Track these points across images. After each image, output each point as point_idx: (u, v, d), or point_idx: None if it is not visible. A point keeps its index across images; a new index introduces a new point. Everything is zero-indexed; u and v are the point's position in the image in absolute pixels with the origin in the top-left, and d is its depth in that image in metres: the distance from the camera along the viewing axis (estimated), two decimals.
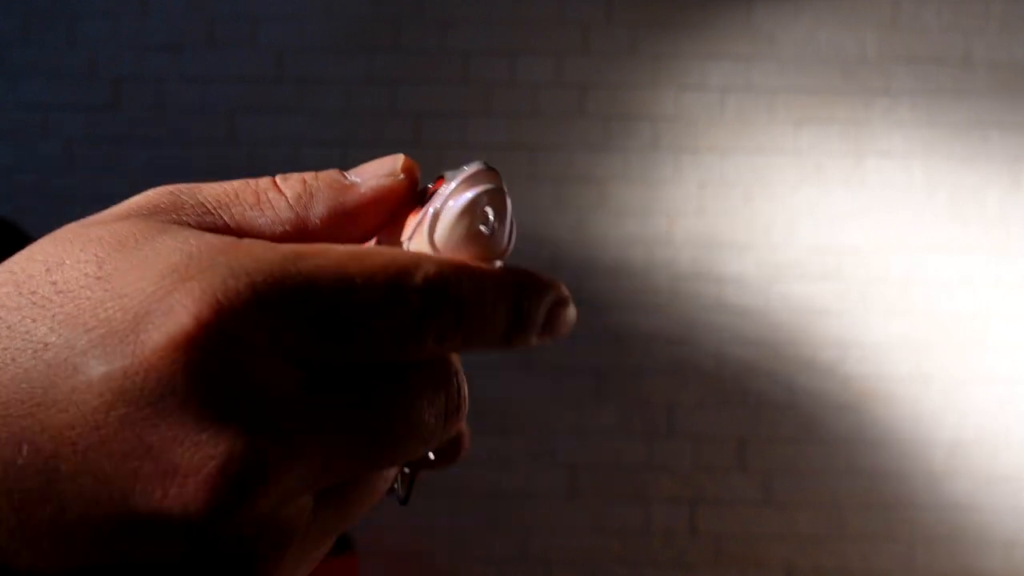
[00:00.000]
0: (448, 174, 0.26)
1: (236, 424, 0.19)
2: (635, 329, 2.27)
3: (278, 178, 0.25)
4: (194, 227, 0.23)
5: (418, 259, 0.22)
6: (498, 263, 0.25)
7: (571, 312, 0.25)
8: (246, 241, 0.21)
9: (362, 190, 0.25)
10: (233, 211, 0.24)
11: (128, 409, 0.19)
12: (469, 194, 0.25)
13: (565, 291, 0.25)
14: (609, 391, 2.27)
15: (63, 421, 0.19)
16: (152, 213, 0.23)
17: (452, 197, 0.25)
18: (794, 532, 2.23)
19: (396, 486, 0.32)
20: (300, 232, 0.24)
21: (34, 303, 0.20)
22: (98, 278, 0.20)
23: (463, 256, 0.24)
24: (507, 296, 0.23)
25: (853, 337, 2.24)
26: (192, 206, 0.24)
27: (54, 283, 0.20)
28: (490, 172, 0.25)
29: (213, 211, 0.24)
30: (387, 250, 0.23)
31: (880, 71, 2.28)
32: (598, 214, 2.27)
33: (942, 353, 2.23)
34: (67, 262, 0.21)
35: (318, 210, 0.25)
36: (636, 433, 2.26)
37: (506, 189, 0.26)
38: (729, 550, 2.24)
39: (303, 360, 0.21)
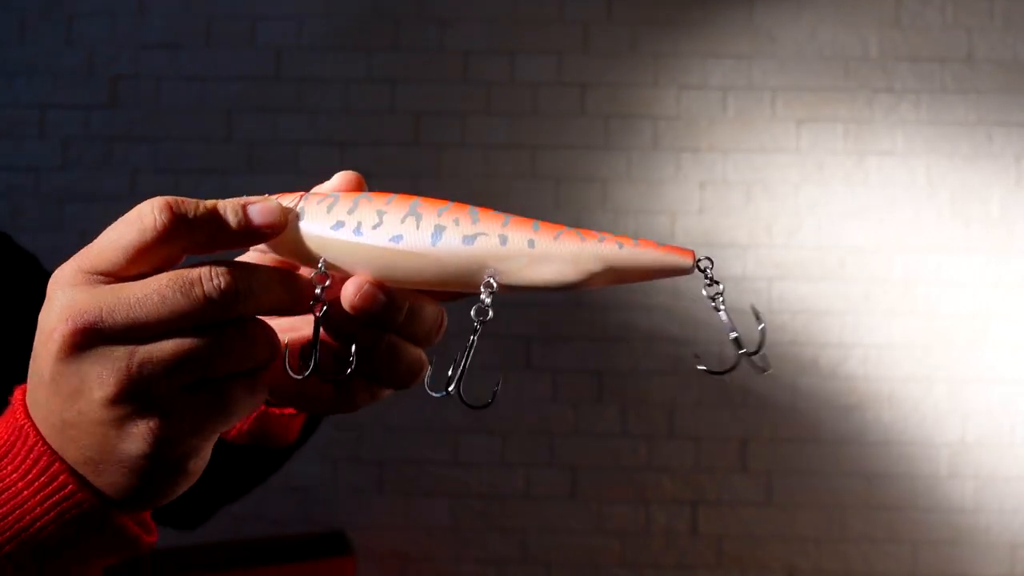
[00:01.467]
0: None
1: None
2: (635, 329, 2.26)
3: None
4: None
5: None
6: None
7: (257, 207, 0.43)
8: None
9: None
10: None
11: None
12: None
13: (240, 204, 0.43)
14: (609, 391, 2.26)
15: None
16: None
17: None
18: (796, 533, 2.22)
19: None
20: None
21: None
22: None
23: None
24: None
25: (855, 337, 2.23)
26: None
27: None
28: None
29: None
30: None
31: (882, 69, 2.27)
32: (599, 213, 2.26)
33: (944, 353, 2.22)
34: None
35: None
36: (636, 433, 2.25)
37: None
38: (730, 551, 2.23)
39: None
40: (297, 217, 0.45)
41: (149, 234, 0.39)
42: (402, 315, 0.45)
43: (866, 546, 2.22)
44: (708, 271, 0.44)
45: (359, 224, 0.45)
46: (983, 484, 2.20)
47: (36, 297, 0.68)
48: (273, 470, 0.71)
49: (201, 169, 2.29)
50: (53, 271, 0.74)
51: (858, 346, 2.23)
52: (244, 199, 0.43)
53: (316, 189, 0.49)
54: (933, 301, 2.23)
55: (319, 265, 0.45)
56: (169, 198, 0.40)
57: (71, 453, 0.40)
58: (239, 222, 0.41)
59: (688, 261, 0.44)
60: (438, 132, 2.29)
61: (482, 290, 0.44)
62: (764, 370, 0.47)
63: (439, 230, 0.44)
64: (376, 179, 2.32)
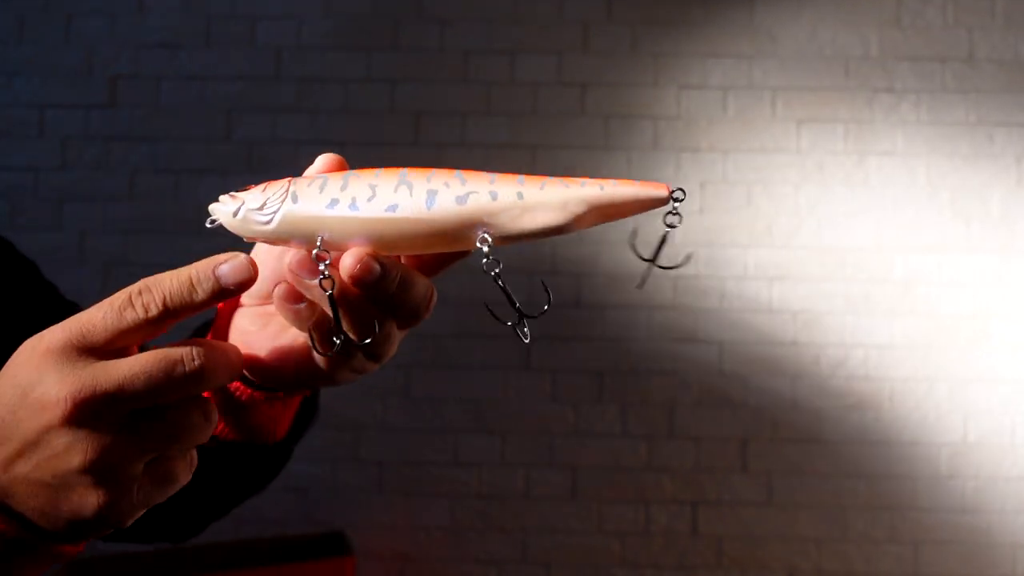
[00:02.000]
0: None
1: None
2: (635, 329, 2.26)
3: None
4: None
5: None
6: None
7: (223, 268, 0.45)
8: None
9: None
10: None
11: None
12: None
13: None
14: (609, 391, 2.26)
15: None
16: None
17: None
18: (796, 534, 2.22)
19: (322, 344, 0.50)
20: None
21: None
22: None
23: None
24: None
25: (855, 337, 2.23)
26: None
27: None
28: None
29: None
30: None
31: (883, 69, 2.27)
32: None
33: (945, 353, 2.22)
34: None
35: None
36: (636, 433, 2.25)
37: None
38: (730, 552, 2.23)
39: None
40: (292, 200, 0.47)
41: (139, 322, 0.44)
42: (395, 284, 0.47)
43: (867, 546, 2.22)
44: (679, 200, 0.48)
45: (354, 199, 0.47)
46: (984, 484, 2.20)
47: (34, 306, 0.67)
48: (265, 471, 0.70)
49: (201, 169, 2.29)
50: (51, 275, 0.73)
51: (858, 346, 2.23)
52: (214, 260, 0.45)
53: (305, 174, 0.50)
54: (933, 301, 2.23)
55: (317, 243, 0.47)
56: (155, 288, 0.44)
57: (26, 502, 0.44)
58: (213, 288, 0.45)
59: (663, 192, 0.48)
60: (438, 132, 2.29)
61: (478, 246, 0.47)
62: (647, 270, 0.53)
63: (431, 194, 0.47)
64: None
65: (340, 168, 0.51)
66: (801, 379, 2.23)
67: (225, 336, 0.58)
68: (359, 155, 2.29)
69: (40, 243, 2.18)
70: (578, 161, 2.27)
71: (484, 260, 0.47)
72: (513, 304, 0.48)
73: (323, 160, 0.51)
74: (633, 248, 0.54)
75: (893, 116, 2.25)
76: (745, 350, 2.24)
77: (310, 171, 0.51)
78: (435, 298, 0.50)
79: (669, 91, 2.28)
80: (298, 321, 0.50)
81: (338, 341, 0.48)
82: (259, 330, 0.55)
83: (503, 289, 0.48)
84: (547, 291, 0.52)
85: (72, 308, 0.72)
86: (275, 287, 0.50)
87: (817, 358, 2.23)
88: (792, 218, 2.25)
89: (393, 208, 0.46)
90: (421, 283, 0.49)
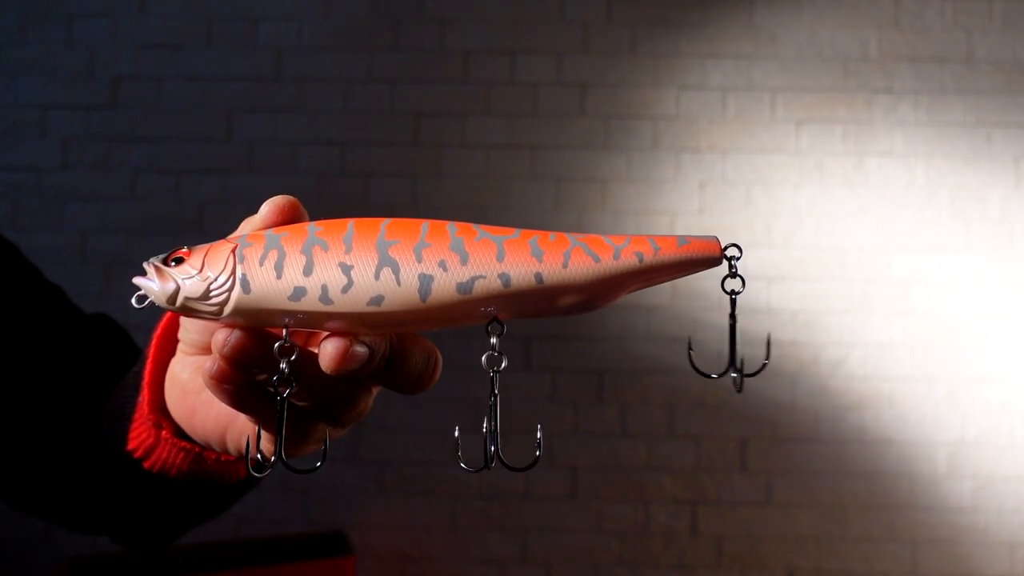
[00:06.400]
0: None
1: None
2: (635, 329, 2.26)
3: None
4: None
5: None
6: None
7: None
8: None
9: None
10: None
11: None
12: None
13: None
14: (609, 391, 2.26)
15: None
16: None
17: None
18: (796, 533, 2.22)
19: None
20: None
21: None
22: None
23: None
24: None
25: (855, 337, 2.23)
26: None
27: None
28: None
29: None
30: None
31: (882, 70, 2.27)
32: (599, 214, 2.27)
33: (944, 353, 2.22)
34: None
35: None
36: (636, 433, 2.26)
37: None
38: (730, 551, 2.23)
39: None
40: (243, 289, 0.38)
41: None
42: (383, 363, 0.40)
43: (866, 546, 2.22)
44: (734, 259, 0.41)
45: (324, 288, 0.38)
46: (982, 484, 2.21)
47: (10, 285, 0.66)
48: (231, 500, 0.67)
49: (201, 169, 2.29)
50: (52, 275, 0.72)
51: (858, 346, 2.23)
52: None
53: (247, 222, 0.42)
54: (932, 301, 2.23)
55: (284, 335, 0.38)
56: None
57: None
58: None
59: (714, 253, 0.41)
60: (438, 132, 2.29)
61: (488, 331, 0.39)
62: (739, 390, 0.44)
63: (426, 280, 0.38)
64: (376, 179, 2.32)
65: (293, 214, 0.41)
66: (800, 379, 2.24)
67: (159, 384, 0.53)
68: (359, 155, 2.29)
69: (41, 243, 2.18)
70: (578, 161, 2.28)
71: (484, 357, 0.39)
72: (493, 436, 0.40)
73: (271, 209, 0.41)
74: (692, 364, 0.43)
75: (892, 117, 2.26)
76: (744, 350, 2.24)
77: (256, 220, 0.41)
78: (440, 364, 0.43)
79: (669, 92, 2.29)
80: (237, 404, 0.41)
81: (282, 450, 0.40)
82: (198, 388, 0.49)
83: (493, 408, 0.39)
84: None
85: (55, 291, 0.70)
86: (206, 363, 0.40)
87: (816, 358, 2.24)
88: (791, 218, 2.26)
89: (377, 301, 0.38)
90: (418, 353, 0.41)
